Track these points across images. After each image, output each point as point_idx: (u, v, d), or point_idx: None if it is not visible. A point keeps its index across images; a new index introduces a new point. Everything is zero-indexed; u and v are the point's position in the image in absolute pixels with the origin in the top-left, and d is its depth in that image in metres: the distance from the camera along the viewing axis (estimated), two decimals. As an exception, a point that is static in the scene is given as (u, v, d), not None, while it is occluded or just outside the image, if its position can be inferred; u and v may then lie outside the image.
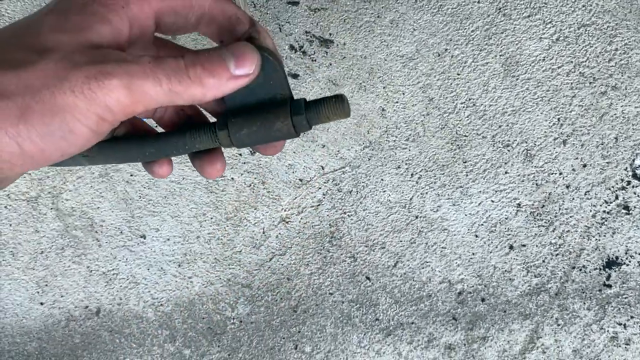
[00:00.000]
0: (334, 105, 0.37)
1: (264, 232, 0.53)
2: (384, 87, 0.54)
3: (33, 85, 0.22)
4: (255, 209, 0.54)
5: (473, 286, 0.54)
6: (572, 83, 0.54)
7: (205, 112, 0.33)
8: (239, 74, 0.26)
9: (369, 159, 0.53)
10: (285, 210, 0.53)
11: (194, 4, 0.28)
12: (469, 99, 0.54)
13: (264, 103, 0.38)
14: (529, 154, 0.54)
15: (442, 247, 0.54)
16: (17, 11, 0.53)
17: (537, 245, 0.54)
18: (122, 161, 0.39)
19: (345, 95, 0.39)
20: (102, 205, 0.53)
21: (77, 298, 0.54)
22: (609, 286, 0.54)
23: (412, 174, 0.54)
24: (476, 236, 0.54)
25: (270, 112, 0.34)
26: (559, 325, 0.54)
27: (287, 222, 0.53)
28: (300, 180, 0.54)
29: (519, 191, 0.54)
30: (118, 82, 0.22)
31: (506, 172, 0.54)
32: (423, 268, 0.54)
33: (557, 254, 0.54)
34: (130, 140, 0.38)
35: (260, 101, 0.39)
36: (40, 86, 0.22)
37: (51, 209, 0.53)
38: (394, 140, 0.54)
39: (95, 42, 0.23)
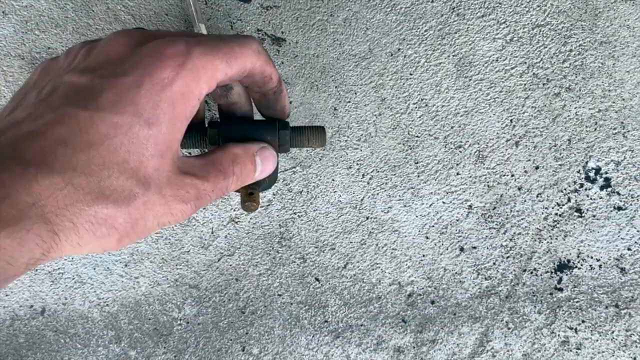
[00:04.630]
0: (314, 135, 0.39)
1: (212, 232, 0.52)
2: (336, 87, 0.53)
3: (135, 219, 0.26)
4: (204, 208, 0.53)
5: (423, 288, 0.53)
6: (525, 84, 0.53)
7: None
8: (258, 178, 0.34)
9: (320, 159, 0.52)
10: (234, 210, 0.52)
11: (248, 67, 0.30)
12: (422, 100, 0.53)
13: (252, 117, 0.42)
14: (480, 156, 0.53)
15: (393, 249, 0.53)
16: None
17: (488, 248, 0.53)
18: None
19: (325, 127, 0.42)
20: (48, 204, 0.52)
21: (22, 297, 0.53)
22: (560, 290, 0.53)
23: (363, 175, 0.53)
24: (427, 238, 0.53)
25: (260, 127, 0.38)
26: (509, 328, 0.53)
27: (236, 222, 0.53)
28: (251, 179, 0.53)
29: (470, 193, 0.53)
30: (187, 214, 0.28)
31: (458, 174, 0.53)
32: (373, 270, 0.53)
33: (508, 257, 0.53)
34: None
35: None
36: (140, 219, 0.26)
37: (-3, 206, 0.52)
38: (346, 140, 0.53)
39: (180, 163, 0.28)
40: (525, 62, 0.51)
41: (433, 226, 0.51)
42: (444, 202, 0.51)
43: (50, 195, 0.23)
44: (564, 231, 0.51)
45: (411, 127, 0.51)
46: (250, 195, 0.40)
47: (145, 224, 0.27)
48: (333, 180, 0.51)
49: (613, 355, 0.50)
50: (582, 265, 0.50)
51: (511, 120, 0.51)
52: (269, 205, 0.51)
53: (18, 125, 0.25)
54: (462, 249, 0.51)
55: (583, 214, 0.51)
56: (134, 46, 0.28)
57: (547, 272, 0.51)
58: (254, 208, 0.40)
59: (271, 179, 0.42)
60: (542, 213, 0.51)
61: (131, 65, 0.26)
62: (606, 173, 0.51)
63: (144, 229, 0.27)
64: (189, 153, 0.49)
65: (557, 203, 0.51)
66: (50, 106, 0.26)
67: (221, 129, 0.37)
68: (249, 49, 0.30)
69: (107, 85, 0.26)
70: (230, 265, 0.51)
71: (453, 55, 0.51)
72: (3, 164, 0.23)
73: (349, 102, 0.51)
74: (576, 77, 0.51)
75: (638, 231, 0.50)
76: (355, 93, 0.51)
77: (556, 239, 0.51)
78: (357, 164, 0.51)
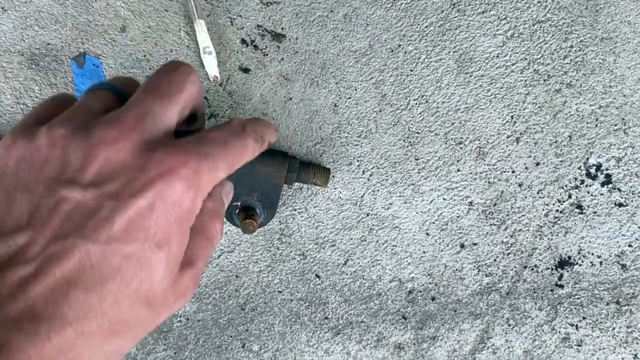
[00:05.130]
0: (321, 175, 0.44)
1: (212, 229, 0.52)
2: (336, 83, 0.53)
3: (141, 337, 0.25)
4: (204, 205, 0.53)
5: (423, 285, 0.53)
6: (526, 80, 0.53)
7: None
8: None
9: (321, 156, 0.52)
10: (234, 207, 0.52)
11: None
12: (422, 96, 0.53)
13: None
14: (481, 152, 0.53)
15: (393, 245, 0.53)
16: None
17: (488, 244, 0.53)
18: None
19: (331, 169, 0.45)
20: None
21: (22, 294, 0.52)
22: (561, 286, 0.53)
23: (363, 171, 0.53)
24: (427, 234, 0.53)
25: (270, 158, 0.42)
26: (509, 325, 0.53)
27: (236, 219, 0.52)
28: (251, 176, 0.53)
29: (471, 189, 0.53)
30: (186, 302, 0.27)
31: (458, 170, 0.53)
32: (373, 266, 0.53)
33: (508, 253, 0.53)
34: None
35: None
36: (145, 333, 0.25)
37: None
38: (346, 137, 0.53)
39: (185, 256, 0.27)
40: (526, 58, 0.51)
41: (433, 223, 0.51)
42: (444, 199, 0.51)
43: (62, 352, 0.22)
44: (565, 228, 0.50)
45: (412, 124, 0.51)
46: (250, 216, 0.42)
47: (149, 332, 0.27)
48: (333, 176, 0.51)
49: (614, 352, 0.50)
50: (582, 261, 0.50)
51: (512, 117, 0.51)
52: (269, 201, 0.51)
53: (23, 260, 0.23)
54: (462, 246, 0.51)
55: (584, 211, 0.50)
56: (139, 152, 0.26)
57: (548, 268, 0.50)
58: (253, 229, 0.42)
59: (269, 216, 0.45)
60: (543, 209, 0.50)
61: (141, 184, 0.25)
62: (607, 169, 0.50)
63: (148, 333, 0.27)
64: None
65: (558, 199, 0.50)
66: (55, 234, 0.23)
67: None
68: (249, 153, 0.30)
69: (118, 210, 0.24)
70: (231, 262, 0.51)
71: (454, 52, 0.51)
72: (16, 322, 0.21)
73: (349, 98, 0.51)
74: (577, 73, 0.51)
75: (639, 227, 0.50)
76: (356, 89, 0.51)
77: (557, 235, 0.50)
78: (358, 161, 0.51)
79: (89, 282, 0.23)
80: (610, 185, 0.50)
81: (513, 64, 0.51)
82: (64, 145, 0.25)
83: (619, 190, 0.50)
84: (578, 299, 0.50)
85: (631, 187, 0.50)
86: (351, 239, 0.51)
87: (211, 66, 0.49)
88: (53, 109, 0.28)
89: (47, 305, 0.22)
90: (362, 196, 0.51)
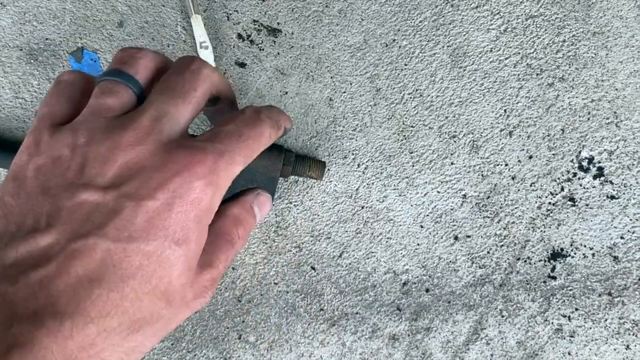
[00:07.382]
0: (316, 168, 0.45)
1: (209, 222, 0.53)
2: (331, 77, 0.53)
3: (161, 334, 0.26)
4: (201, 198, 0.53)
5: (418, 277, 0.53)
6: (519, 74, 0.53)
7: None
8: (259, 220, 0.34)
9: (316, 149, 0.53)
10: (231, 200, 0.53)
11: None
12: (416, 90, 0.53)
13: None
14: (475, 145, 0.53)
15: (388, 238, 0.53)
16: None
17: (482, 237, 0.53)
18: None
19: (326, 162, 0.46)
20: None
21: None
22: (554, 278, 0.53)
23: (358, 164, 0.53)
24: (421, 227, 0.53)
25: (266, 151, 0.42)
26: (503, 316, 0.53)
27: (232, 212, 0.53)
28: (247, 169, 0.53)
29: (464, 182, 0.53)
30: (205, 304, 0.29)
31: (452, 163, 0.53)
32: (368, 258, 0.53)
33: (502, 245, 0.53)
34: None
35: None
36: (165, 331, 0.26)
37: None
38: (341, 131, 0.53)
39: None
40: (519, 53, 0.51)
41: (428, 215, 0.51)
42: (438, 192, 0.51)
43: (83, 348, 0.22)
44: (558, 220, 0.51)
45: (406, 117, 0.51)
46: None
47: (168, 331, 0.27)
48: (329, 169, 0.51)
49: (606, 343, 0.51)
50: (575, 253, 0.51)
51: (505, 110, 0.51)
52: (265, 194, 0.51)
53: (45, 259, 0.23)
54: (456, 238, 0.51)
55: (576, 203, 0.51)
56: (156, 154, 0.26)
57: (541, 260, 0.51)
58: None
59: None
60: (536, 202, 0.51)
61: (159, 184, 0.25)
62: (599, 162, 0.51)
63: (167, 333, 0.27)
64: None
65: (551, 192, 0.51)
66: (76, 234, 0.23)
67: None
68: (265, 140, 0.30)
69: (137, 210, 0.24)
70: (227, 254, 0.51)
71: (447, 46, 0.51)
72: (38, 318, 0.21)
73: (345, 92, 0.51)
74: (569, 67, 0.51)
75: (631, 220, 0.51)
76: (351, 83, 0.51)
77: (550, 227, 0.51)
78: (353, 154, 0.51)
79: (111, 280, 0.23)
80: (602, 178, 0.51)
81: (506, 58, 0.51)
82: (84, 152, 0.25)
83: (611, 183, 0.51)
84: (570, 290, 0.51)
85: (623, 179, 0.51)
86: (346, 231, 0.51)
87: (208, 61, 0.50)
88: (65, 102, 0.28)
89: (70, 302, 0.22)
90: (357, 189, 0.51)
